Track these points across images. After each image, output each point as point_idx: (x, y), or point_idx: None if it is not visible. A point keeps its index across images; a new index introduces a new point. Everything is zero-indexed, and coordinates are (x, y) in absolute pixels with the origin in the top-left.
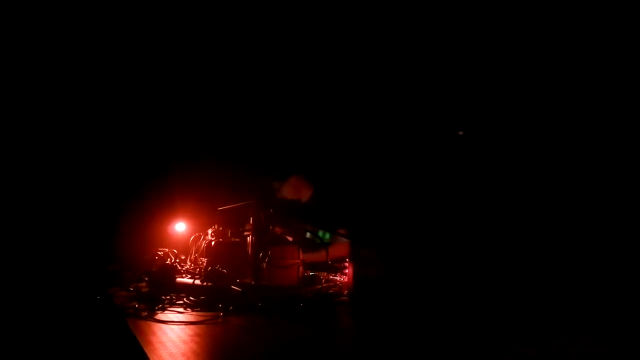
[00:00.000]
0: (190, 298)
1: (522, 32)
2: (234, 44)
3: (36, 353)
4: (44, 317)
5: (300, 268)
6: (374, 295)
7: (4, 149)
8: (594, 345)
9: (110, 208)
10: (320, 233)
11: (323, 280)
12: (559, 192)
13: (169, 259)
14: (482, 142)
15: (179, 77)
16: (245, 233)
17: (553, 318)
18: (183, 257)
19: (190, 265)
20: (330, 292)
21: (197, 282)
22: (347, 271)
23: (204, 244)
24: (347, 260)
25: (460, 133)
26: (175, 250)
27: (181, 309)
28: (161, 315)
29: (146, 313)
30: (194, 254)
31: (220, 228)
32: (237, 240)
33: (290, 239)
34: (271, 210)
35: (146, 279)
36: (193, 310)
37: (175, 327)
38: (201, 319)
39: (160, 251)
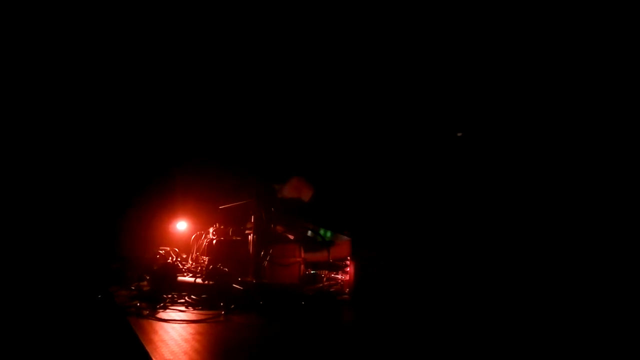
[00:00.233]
0: (192, 297)
1: (521, 33)
2: (235, 43)
3: (38, 352)
4: (46, 316)
5: (302, 266)
6: (375, 293)
7: (9, 149)
8: (595, 345)
9: (111, 207)
10: (322, 231)
11: (324, 279)
12: (558, 193)
13: (170, 258)
14: (481, 143)
15: (180, 77)
16: (247, 231)
17: (553, 318)
18: (184, 256)
19: (192, 264)
20: (331, 290)
21: (199, 280)
22: (348, 269)
23: (205, 243)
24: (349, 258)
25: (459, 134)
26: (177, 249)
27: (183, 308)
28: (163, 314)
29: (148, 312)
30: (195, 253)
31: (222, 226)
32: (238, 238)
33: (291, 237)
34: (272, 208)
35: (147, 277)
36: (194, 309)
37: (176, 326)
38: (203, 317)
39: (161, 250)
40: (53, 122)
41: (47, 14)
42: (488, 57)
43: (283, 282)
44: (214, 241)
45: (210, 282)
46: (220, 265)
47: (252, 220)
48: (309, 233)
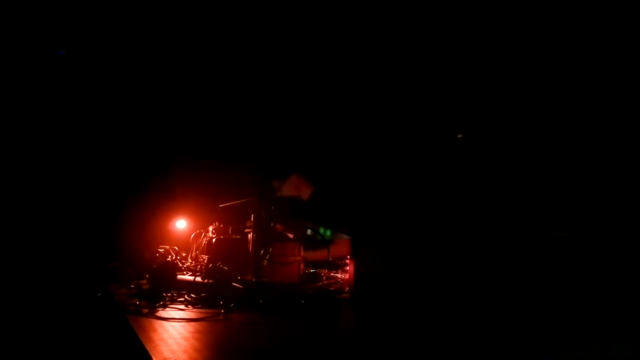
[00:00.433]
0: (191, 295)
1: (521, 34)
2: (235, 42)
3: (38, 351)
4: (45, 315)
5: (301, 265)
6: (375, 292)
7: (8, 147)
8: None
9: (111, 205)
10: (322, 230)
11: (324, 278)
12: (558, 193)
13: (169, 256)
14: (480, 145)
15: (179, 75)
16: (246, 230)
17: (553, 318)
18: (184, 254)
19: (191, 263)
20: (331, 289)
21: (198, 279)
22: (348, 268)
23: (204, 241)
24: (348, 257)
25: (460, 136)
26: (176, 248)
27: (182, 306)
28: (162, 313)
29: (147, 310)
30: (195, 251)
31: (221, 225)
32: (238, 237)
33: (291, 236)
34: (272, 207)
35: (147, 276)
36: (194, 308)
37: (176, 324)
38: (202, 316)
39: (161, 248)
40: (55, 121)
41: (47, 13)
42: (488, 60)
43: (283, 281)
44: (214, 240)
45: (210, 281)
46: (219, 264)
47: (252, 219)
48: (309, 232)
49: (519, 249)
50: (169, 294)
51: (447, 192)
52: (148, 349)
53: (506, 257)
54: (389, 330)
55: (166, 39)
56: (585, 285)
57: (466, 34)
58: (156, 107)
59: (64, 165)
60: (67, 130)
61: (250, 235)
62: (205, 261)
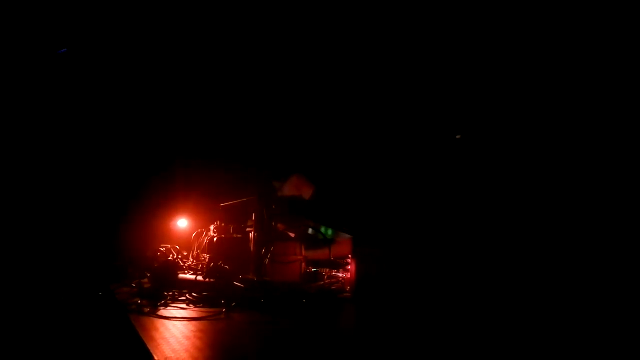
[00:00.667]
0: (193, 294)
1: (520, 35)
2: (236, 42)
3: (39, 349)
4: (47, 314)
5: (303, 264)
6: (376, 291)
7: (11, 147)
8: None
9: (112, 205)
10: (323, 229)
11: (325, 277)
12: (558, 193)
13: (171, 256)
14: (480, 145)
15: (181, 75)
16: (248, 229)
17: (553, 317)
18: (185, 254)
19: (193, 262)
20: (332, 288)
21: (200, 278)
22: (349, 268)
23: (206, 240)
24: (350, 256)
25: (458, 137)
26: (178, 247)
27: (184, 305)
28: (164, 312)
29: (149, 309)
30: (197, 250)
31: (223, 224)
32: (239, 236)
33: (292, 235)
34: (274, 206)
35: (149, 275)
36: (195, 307)
37: (178, 324)
38: (204, 315)
39: (162, 247)
40: (57, 121)
41: (47, 13)
42: (487, 60)
43: (284, 280)
44: (215, 239)
45: (212, 280)
46: (221, 263)
47: (254, 218)
48: (310, 231)
49: (518, 249)
50: (171, 293)
51: (447, 192)
52: (150, 348)
53: (506, 257)
54: (390, 329)
55: (168, 39)
56: (585, 285)
57: (465, 35)
58: (158, 107)
59: (66, 166)
60: (70, 130)
61: (251, 235)
62: (207, 260)
